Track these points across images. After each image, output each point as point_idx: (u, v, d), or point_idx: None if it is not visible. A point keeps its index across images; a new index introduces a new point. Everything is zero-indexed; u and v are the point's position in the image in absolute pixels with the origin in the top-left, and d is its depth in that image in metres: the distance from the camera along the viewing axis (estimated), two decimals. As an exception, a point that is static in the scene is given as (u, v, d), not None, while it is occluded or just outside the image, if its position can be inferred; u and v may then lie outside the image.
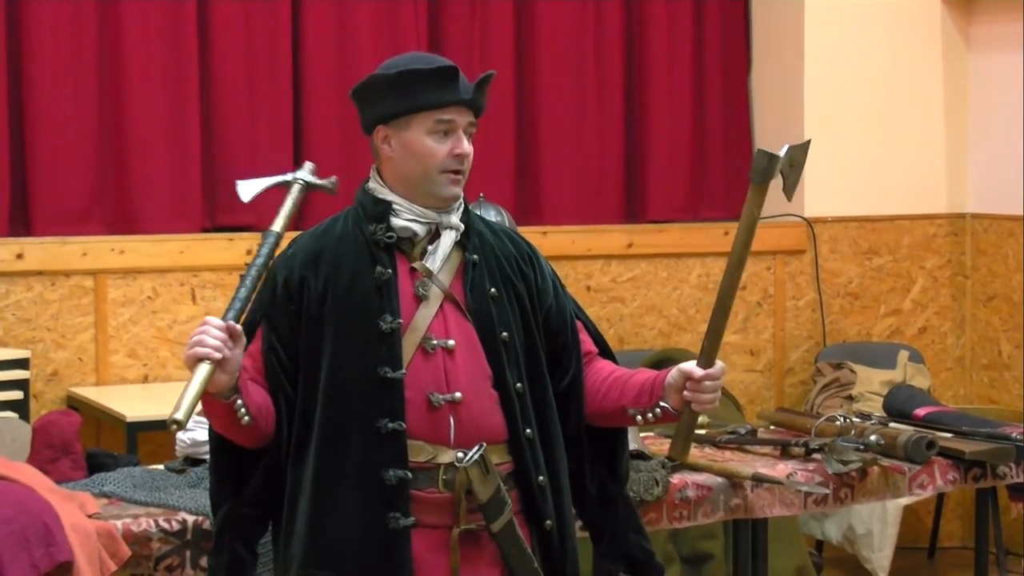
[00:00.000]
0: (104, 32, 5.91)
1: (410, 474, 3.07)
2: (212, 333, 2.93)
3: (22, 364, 5.42)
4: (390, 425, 3.07)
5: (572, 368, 3.29)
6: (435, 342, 3.12)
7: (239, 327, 2.98)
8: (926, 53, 6.90)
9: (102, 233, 5.88)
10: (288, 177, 3.23)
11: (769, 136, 6.81)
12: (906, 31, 6.87)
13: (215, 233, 6.05)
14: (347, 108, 3.34)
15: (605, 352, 3.39)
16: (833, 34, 6.77)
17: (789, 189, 3.18)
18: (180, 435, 4.36)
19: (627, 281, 6.62)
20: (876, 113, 6.83)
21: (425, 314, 3.13)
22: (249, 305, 3.08)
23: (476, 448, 3.09)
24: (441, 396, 3.10)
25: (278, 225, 3.13)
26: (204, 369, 2.89)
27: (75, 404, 5.57)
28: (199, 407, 2.97)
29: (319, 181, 3.25)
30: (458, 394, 3.11)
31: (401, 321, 3.10)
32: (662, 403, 3.18)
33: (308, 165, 3.26)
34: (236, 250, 5.97)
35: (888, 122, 6.86)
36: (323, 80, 6.19)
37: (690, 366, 3.15)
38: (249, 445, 3.15)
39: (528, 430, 3.17)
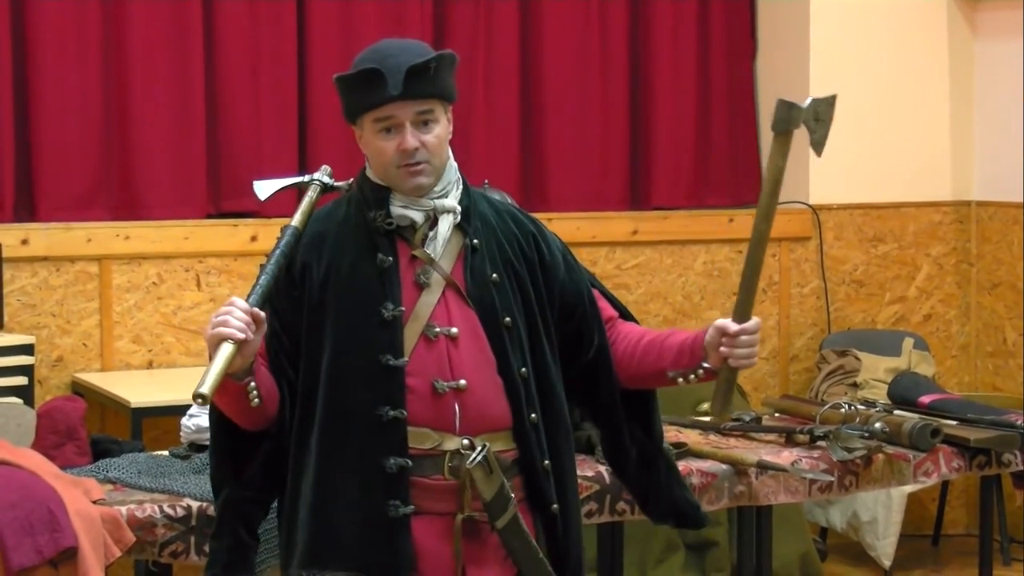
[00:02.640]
0: (109, 18, 5.90)
1: (410, 462, 3.08)
2: (236, 315, 2.94)
3: (27, 350, 5.42)
4: (391, 413, 3.08)
5: (596, 338, 3.30)
6: (438, 330, 3.12)
7: (262, 313, 2.99)
8: (931, 40, 6.88)
9: (107, 219, 5.88)
10: (305, 179, 3.25)
11: (774, 123, 6.79)
12: (911, 18, 6.85)
13: (220, 219, 6.05)
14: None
15: (626, 316, 3.43)
16: (838, 21, 6.75)
17: (816, 144, 3.22)
18: (184, 421, 4.36)
19: (632, 268, 6.62)
20: (881, 100, 6.82)
21: (427, 302, 3.13)
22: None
23: (480, 448, 3.09)
24: (446, 383, 3.10)
25: (297, 220, 3.15)
26: (227, 349, 2.91)
27: (80, 390, 5.57)
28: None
29: (336, 183, 3.26)
30: (463, 381, 3.11)
31: (403, 309, 3.11)
32: (704, 364, 3.21)
33: (325, 168, 3.27)
34: (241, 236, 5.97)
35: (893, 109, 6.84)
36: (327, 65, 6.15)
37: (725, 322, 3.17)
38: (251, 428, 3.16)
39: (533, 415, 3.16)
